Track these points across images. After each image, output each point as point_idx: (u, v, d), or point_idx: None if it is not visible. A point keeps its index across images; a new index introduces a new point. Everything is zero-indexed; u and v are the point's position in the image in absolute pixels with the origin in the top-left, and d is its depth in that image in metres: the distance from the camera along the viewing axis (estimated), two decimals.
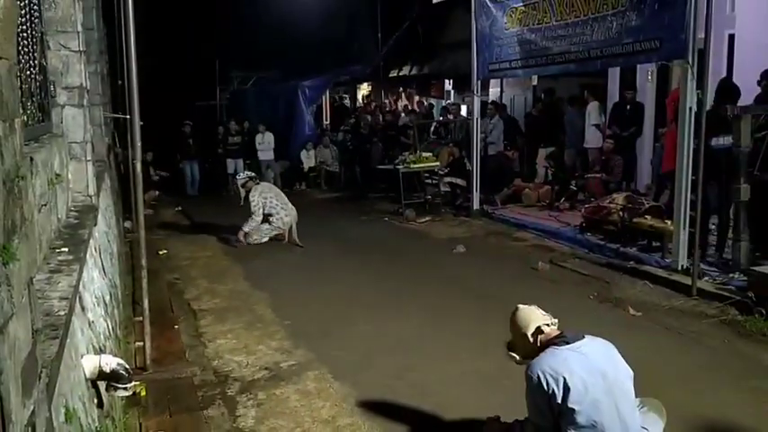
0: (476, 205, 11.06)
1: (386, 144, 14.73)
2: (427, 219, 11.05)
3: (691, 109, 6.56)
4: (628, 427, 3.07)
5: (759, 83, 7.35)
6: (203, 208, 12.47)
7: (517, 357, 3.35)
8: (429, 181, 12.55)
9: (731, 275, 6.54)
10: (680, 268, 6.86)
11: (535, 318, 3.27)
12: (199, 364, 4.99)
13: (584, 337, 3.23)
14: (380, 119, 16.36)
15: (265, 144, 15.24)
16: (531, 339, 3.24)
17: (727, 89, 7.15)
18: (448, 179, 12.11)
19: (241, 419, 4.09)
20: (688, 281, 6.45)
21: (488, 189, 11.41)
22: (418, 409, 4.12)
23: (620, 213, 8.22)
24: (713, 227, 7.44)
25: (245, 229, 9.25)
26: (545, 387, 3.07)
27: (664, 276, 6.85)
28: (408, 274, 7.58)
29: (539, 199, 11.31)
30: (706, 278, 6.56)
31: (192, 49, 19.16)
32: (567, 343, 3.16)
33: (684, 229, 6.86)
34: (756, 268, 6.15)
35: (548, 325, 3.25)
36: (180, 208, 12.53)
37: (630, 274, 7.10)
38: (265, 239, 9.41)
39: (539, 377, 3.10)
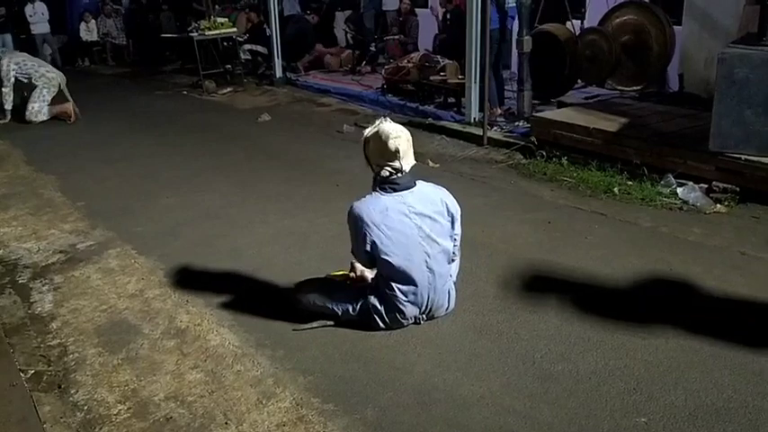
0: (279, 73, 10.78)
1: (177, 12, 13.58)
2: (229, 90, 10.62)
3: None
4: (435, 277, 3.25)
5: None
6: None
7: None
8: (226, 45, 11.89)
9: (517, 124, 7.08)
10: (472, 121, 7.29)
11: (384, 153, 3.18)
12: None
13: (415, 184, 3.29)
14: None
15: (38, 15, 13.39)
16: (373, 169, 3.26)
17: None
18: (248, 46, 11.59)
19: (37, 305, 3.80)
20: (480, 132, 6.89)
21: (290, 56, 11.11)
22: (230, 272, 4.10)
23: (418, 73, 8.46)
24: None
25: (7, 107, 8.62)
26: (360, 229, 3.16)
27: (458, 129, 7.25)
28: (212, 147, 7.31)
29: (341, 64, 11.27)
30: (495, 128, 7.05)
31: None
32: (395, 190, 3.22)
33: (475, 84, 7.22)
34: (536, 114, 6.70)
35: (389, 165, 3.19)
36: None
37: (429, 130, 7.45)
38: (45, 111, 8.66)
39: (356, 218, 3.17)
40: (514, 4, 7.13)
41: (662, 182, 5.18)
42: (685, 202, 4.92)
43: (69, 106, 8.78)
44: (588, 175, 5.56)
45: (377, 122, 3.29)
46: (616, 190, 5.23)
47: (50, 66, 9.18)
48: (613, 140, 5.71)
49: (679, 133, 5.59)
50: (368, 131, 3.29)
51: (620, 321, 3.35)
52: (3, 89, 8.61)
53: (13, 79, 8.57)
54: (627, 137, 5.67)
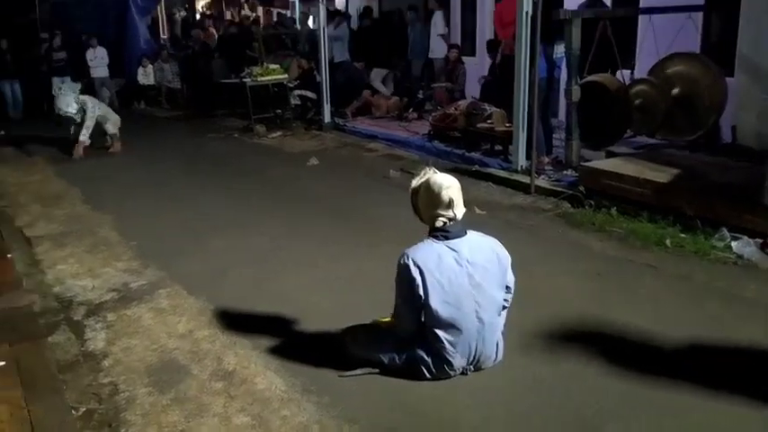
0: (327, 118, 10.98)
1: (230, 58, 14.02)
2: (278, 134, 10.85)
3: (527, 13, 6.79)
4: (484, 327, 3.23)
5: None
6: (29, 130, 11.34)
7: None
8: (277, 91, 12.20)
9: (564, 172, 7.04)
10: (519, 169, 7.29)
11: (437, 204, 3.22)
12: (38, 291, 4.65)
13: (466, 233, 3.31)
14: (221, 31, 15.47)
15: (98, 60, 14.02)
16: (422, 219, 3.30)
17: None
18: (298, 92, 11.88)
19: (90, 342, 3.89)
20: (527, 180, 6.88)
21: (339, 101, 11.33)
22: (278, 315, 4.13)
23: (464, 120, 8.52)
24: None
25: (83, 138, 9.13)
26: (411, 277, 3.16)
27: (505, 177, 7.25)
28: (261, 189, 7.45)
29: (388, 110, 11.43)
30: (543, 176, 7.02)
31: None
32: (447, 238, 3.24)
33: (523, 132, 7.24)
34: (585, 164, 6.66)
35: (443, 215, 3.24)
36: (2, 132, 11.35)
37: (475, 176, 7.46)
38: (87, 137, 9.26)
39: (407, 267, 3.18)
40: (562, 55, 7.18)
41: (716, 235, 5.07)
42: (740, 257, 4.80)
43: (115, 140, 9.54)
44: (639, 227, 5.47)
45: (423, 173, 3.33)
46: (668, 242, 5.13)
47: (111, 112, 9.80)
48: (664, 191, 5.63)
49: (732, 186, 5.48)
50: (416, 182, 3.34)
51: (672, 380, 3.26)
52: (86, 123, 9.20)
53: (95, 120, 9.28)
54: (678, 188, 5.59)
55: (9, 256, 5.35)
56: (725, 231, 5.05)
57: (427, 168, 3.38)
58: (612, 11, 8.48)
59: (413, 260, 3.18)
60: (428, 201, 3.24)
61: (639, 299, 4.25)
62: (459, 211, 3.25)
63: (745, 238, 4.93)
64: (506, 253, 3.35)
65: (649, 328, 3.82)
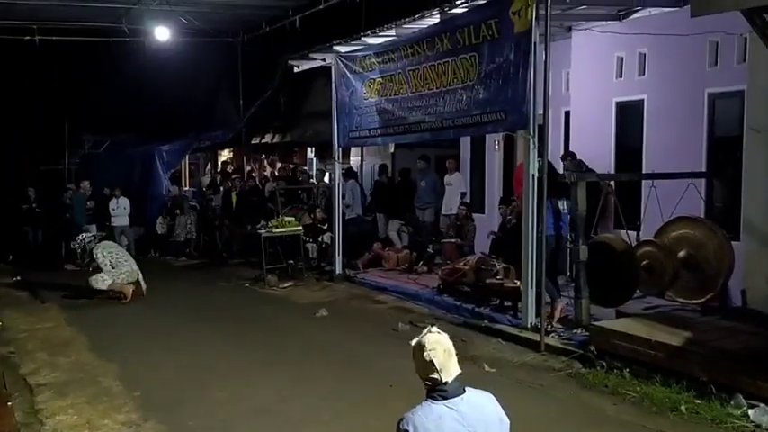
0: (338, 269, 11.12)
1: (248, 210, 14.46)
2: (290, 284, 10.93)
3: (533, 176, 7.09)
4: None
5: (563, 159, 8.10)
6: (45, 277, 11.53)
7: None
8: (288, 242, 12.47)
9: (575, 331, 6.98)
10: (529, 326, 7.23)
11: (422, 365, 3.19)
12: None
13: (464, 390, 3.24)
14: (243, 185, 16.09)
15: (120, 209, 14.52)
16: (422, 382, 3.24)
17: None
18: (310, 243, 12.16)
19: None
20: (537, 337, 6.81)
21: (350, 254, 11.53)
22: None
23: (474, 275, 8.60)
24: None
25: (100, 286, 9.40)
26: None
27: (515, 334, 7.18)
28: (268, 339, 7.41)
29: (399, 263, 11.57)
30: (553, 334, 6.96)
31: (39, 109, 18.01)
32: (445, 398, 3.17)
33: (532, 288, 7.27)
34: (596, 323, 6.62)
35: (429, 377, 3.19)
36: (19, 277, 11.54)
37: (485, 332, 7.39)
38: (108, 283, 9.48)
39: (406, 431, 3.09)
40: (568, 211, 7.36)
41: (731, 402, 4.92)
42: (758, 426, 4.63)
43: (129, 289, 9.58)
44: (652, 390, 5.33)
45: (423, 332, 3.33)
46: (683, 408, 4.97)
47: (131, 260, 10.03)
48: (677, 355, 5.54)
49: (746, 351, 5.39)
50: (413, 341, 3.34)
51: None
52: (104, 275, 9.48)
53: (109, 266, 9.54)
54: (691, 352, 5.50)
55: (9, 404, 5.26)
56: (741, 398, 4.90)
57: (429, 327, 3.37)
58: (616, 175, 8.82)
59: (413, 426, 3.09)
60: (417, 362, 3.23)
61: None
62: (448, 373, 3.17)
63: (762, 405, 4.78)
64: (504, 415, 3.27)
65: None
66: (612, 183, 8.09)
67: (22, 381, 5.95)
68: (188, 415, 5.01)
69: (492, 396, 3.32)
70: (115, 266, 9.60)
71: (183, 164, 18.45)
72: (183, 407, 5.19)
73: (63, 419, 4.98)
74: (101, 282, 9.40)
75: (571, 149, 9.34)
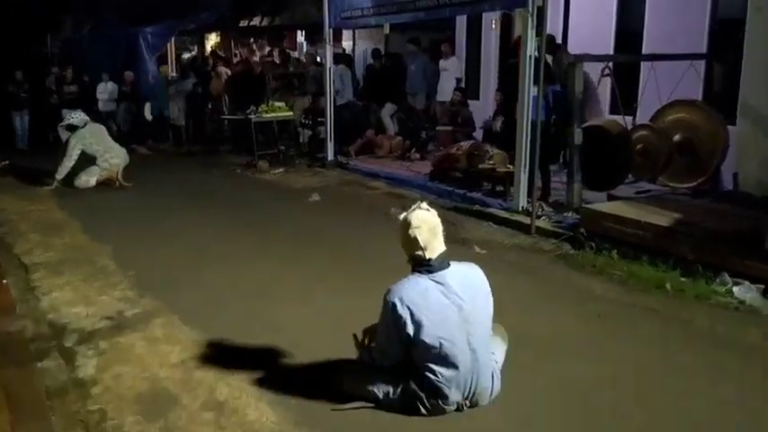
0: (330, 156, 11.05)
1: (238, 96, 14.13)
2: (281, 170, 10.89)
3: (531, 56, 6.88)
4: (477, 357, 3.19)
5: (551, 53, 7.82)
6: (35, 161, 11.40)
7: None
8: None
9: (566, 214, 7.03)
10: (520, 209, 7.28)
11: (407, 242, 3.21)
12: (31, 317, 4.60)
13: (449, 264, 3.28)
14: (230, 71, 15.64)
15: (107, 94, 14.24)
16: (407, 258, 3.28)
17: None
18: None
19: (80, 369, 3.83)
20: (527, 220, 6.86)
21: (342, 140, 11.40)
22: (272, 347, 4.07)
23: (466, 160, 8.56)
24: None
25: (58, 176, 9.21)
26: (398, 315, 3.12)
27: (506, 217, 7.23)
28: (261, 224, 7.44)
29: (391, 150, 11.49)
30: (543, 218, 7.01)
31: None
32: (430, 272, 3.20)
33: (524, 172, 7.25)
34: (586, 206, 6.66)
35: (414, 254, 3.22)
36: (7, 162, 11.41)
37: (476, 216, 7.44)
38: (93, 182, 9.31)
39: (394, 305, 3.14)
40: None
41: (717, 280, 5.03)
42: (742, 302, 4.75)
43: (115, 171, 9.42)
44: (639, 270, 5.43)
45: (411, 208, 3.31)
46: (668, 286, 5.08)
47: (117, 148, 9.67)
48: (665, 235, 5.60)
49: (734, 232, 5.45)
50: (401, 216, 3.33)
51: (673, 421, 3.18)
52: (65, 162, 9.20)
53: (76, 156, 9.24)
54: (679, 232, 5.56)
55: (4, 281, 5.31)
56: (726, 276, 5.01)
57: (419, 203, 3.35)
58: (615, 56, 8.60)
59: (399, 298, 3.14)
60: (402, 239, 3.24)
61: (640, 342, 4.18)
62: (432, 251, 3.20)
63: (747, 283, 4.89)
64: (485, 279, 3.33)
65: (651, 371, 3.75)
66: (611, 64, 7.88)
67: (17, 260, 5.98)
68: (183, 293, 5.08)
69: (478, 268, 3.37)
70: (94, 157, 9.34)
71: (169, 48, 17.82)
72: (177, 285, 5.26)
73: (59, 296, 5.04)
74: (84, 183, 9.24)
75: (570, 28, 9.06)
